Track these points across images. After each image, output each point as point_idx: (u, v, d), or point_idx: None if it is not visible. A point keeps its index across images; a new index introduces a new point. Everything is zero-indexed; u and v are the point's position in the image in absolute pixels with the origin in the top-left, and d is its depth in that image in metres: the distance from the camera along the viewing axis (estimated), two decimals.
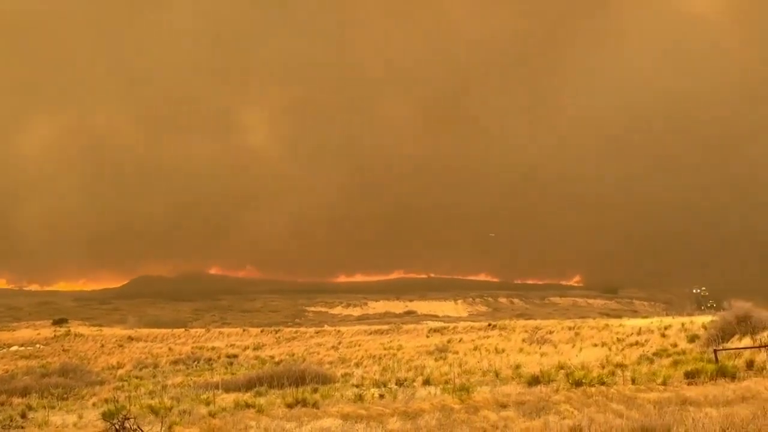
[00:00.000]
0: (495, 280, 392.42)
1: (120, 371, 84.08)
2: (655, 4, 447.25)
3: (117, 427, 17.75)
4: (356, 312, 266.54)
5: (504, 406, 30.72)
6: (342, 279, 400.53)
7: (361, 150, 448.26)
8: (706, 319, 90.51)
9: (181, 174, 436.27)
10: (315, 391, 45.57)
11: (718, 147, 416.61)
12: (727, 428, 15.41)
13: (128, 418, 17.82)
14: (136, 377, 75.58)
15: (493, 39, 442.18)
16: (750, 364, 42.91)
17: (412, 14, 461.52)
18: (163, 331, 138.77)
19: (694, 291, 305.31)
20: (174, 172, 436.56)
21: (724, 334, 66.75)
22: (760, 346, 51.52)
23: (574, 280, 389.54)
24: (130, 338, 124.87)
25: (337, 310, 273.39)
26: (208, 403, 40.30)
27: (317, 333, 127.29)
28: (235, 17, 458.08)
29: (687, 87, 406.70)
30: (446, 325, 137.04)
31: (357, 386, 50.56)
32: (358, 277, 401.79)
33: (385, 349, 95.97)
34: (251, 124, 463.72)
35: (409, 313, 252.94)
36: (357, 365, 78.93)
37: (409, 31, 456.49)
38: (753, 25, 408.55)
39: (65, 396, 57.55)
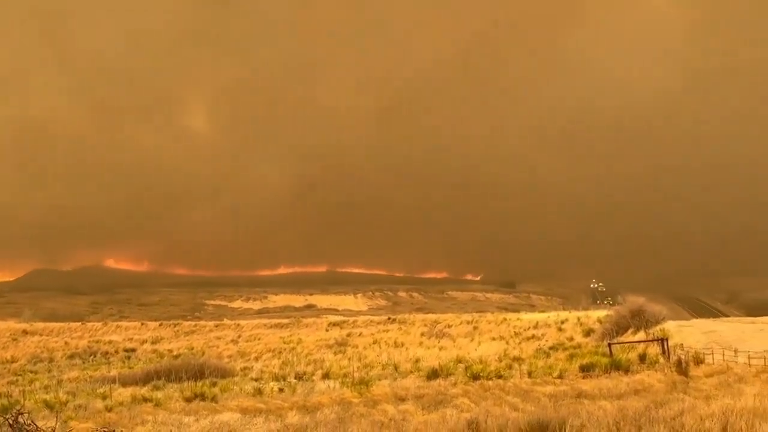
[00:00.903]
0: (396, 274, 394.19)
1: (14, 365, 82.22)
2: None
3: (10, 422, 17.31)
4: (256, 305, 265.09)
5: (403, 400, 30.86)
6: (249, 273, 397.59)
7: (295, 149, 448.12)
8: (602, 313, 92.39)
9: (119, 166, 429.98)
10: (214, 385, 45.18)
11: (611, 147, 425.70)
12: (621, 420, 15.74)
13: (22, 413, 17.36)
14: (31, 371, 74.00)
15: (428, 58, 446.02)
16: (643, 358, 43.87)
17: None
18: (59, 324, 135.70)
19: (592, 286, 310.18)
20: (111, 165, 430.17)
21: (618, 328, 68.21)
22: (652, 340, 52.74)
23: (472, 276, 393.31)
24: (25, 332, 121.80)
25: (237, 304, 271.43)
26: (104, 398, 39.66)
27: (217, 327, 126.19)
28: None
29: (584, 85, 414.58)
30: (346, 319, 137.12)
31: (256, 380, 50.32)
32: (262, 272, 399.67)
33: (284, 342, 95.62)
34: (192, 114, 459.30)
35: (309, 306, 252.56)
36: (256, 359, 78.58)
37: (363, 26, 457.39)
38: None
39: None
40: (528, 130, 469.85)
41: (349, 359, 68.35)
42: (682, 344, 47.05)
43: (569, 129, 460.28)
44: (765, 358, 34.53)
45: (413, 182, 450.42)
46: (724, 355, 40.33)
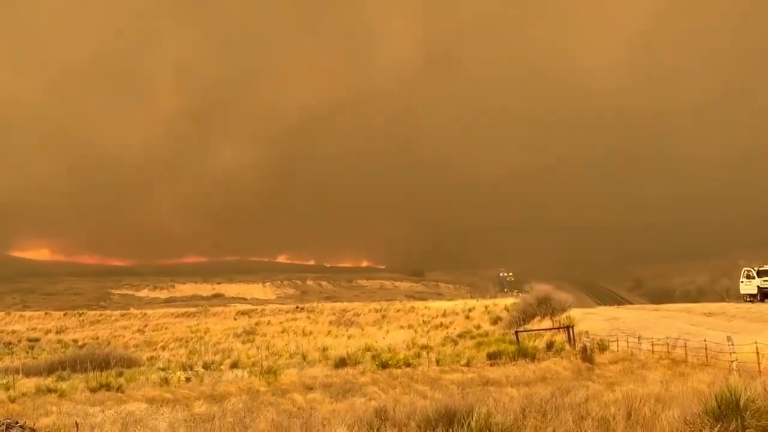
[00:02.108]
0: (304, 263, 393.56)
1: None
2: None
3: None
4: (163, 295, 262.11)
5: (311, 389, 30.85)
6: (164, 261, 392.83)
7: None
8: (509, 301, 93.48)
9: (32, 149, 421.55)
10: (120, 375, 44.61)
11: (527, 136, 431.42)
12: (527, 407, 15.90)
13: None
14: None
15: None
16: (549, 345, 44.43)
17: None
18: None
19: (501, 275, 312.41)
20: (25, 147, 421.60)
21: (525, 316, 69.10)
22: (558, 327, 53.46)
23: (380, 264, 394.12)
24: None
25: (144, 293, 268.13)
26: (7, 388, 38.81)
27: (123, 316, 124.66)
28: None
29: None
30: (254, 307, 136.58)
31: (163, 370, 49.79)
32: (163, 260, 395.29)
33: (192, 332, 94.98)
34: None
35: (217, 295, 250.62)
36: (163, 348, 77.88)
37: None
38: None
39: None
40: (442, 118, 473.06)
41: (258, 348, 68.12)
42: (587, 331, 47.73)
43: (489, 118, 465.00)
44: (668, 345, 35.22)
45: (320, 172, 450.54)
46: (628, 342, 40.98)
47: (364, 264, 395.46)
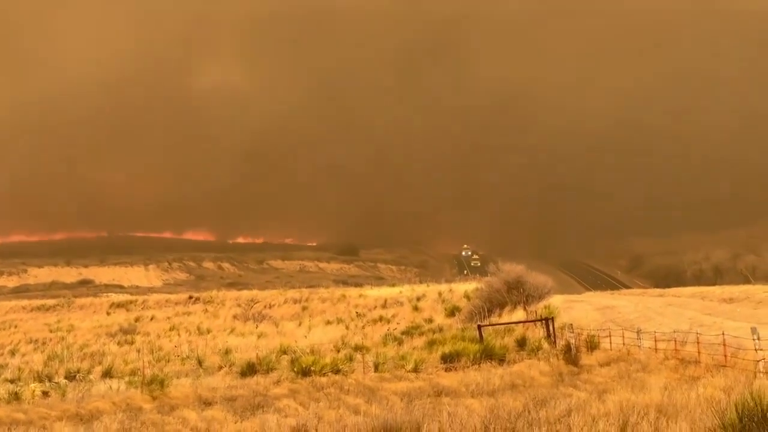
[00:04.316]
0: (199, 238, 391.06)
1: None
2: None
3: None
4: (12, 282, 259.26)
5: (209, 404, 30.85)
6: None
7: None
8: (471, 286, 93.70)
9: None
10: None
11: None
12: (491, 423, 16.02)
13: None
14: None
15: None
16: (522, 343, 44.64)
17: None
18: None
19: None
20: None
21: (491, 305, 69.33)
22: (534, 320, 53.73)
23: (302, 240, 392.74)
24: None
25: None
26: None
27: None
28: None
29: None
30: (134, 298, 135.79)
31: (12, 381, 49.40)
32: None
33: (51, 330, 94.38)
34: None
35: (84, 282, 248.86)
36: (12, 353, 77.26)
37: None
38: None
39: None
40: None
41: (139, 351, 67.91)
42: (571, 325, 48.11)
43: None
44: (675, 341, 35.57)
45: (224, 126, 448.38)
46: (624, 337, 41.41)
47: (280, 240, 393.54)
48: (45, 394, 40.06)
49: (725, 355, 30.31)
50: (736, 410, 13.30)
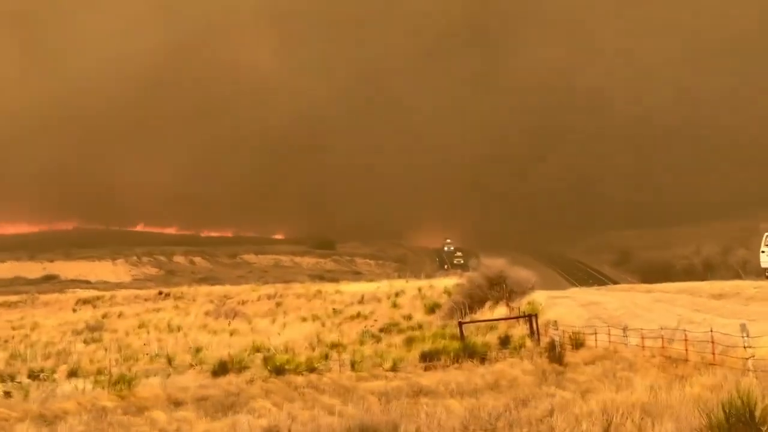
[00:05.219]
0: (170, 231, 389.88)
1: None
2: None
3: None
4: None
5: (179, 404, 30.87)
6: None
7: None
8: (451, 282, 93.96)
9: None
10: None
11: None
12: (471, 424, 16.10)
13: None
14: None
15: None
16: (505, 341, 44.74)
17: None
18: None
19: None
20: None
21: (473, 301, 69.53)
22: (517, 317, 53.86)
23: (275, 234, 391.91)
24: None
25: None
26: None
27: None
28: None
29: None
30: (101, 293, 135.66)
31: None
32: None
33: (13, 328, 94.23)
34: None
35: (49, 278, 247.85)
36: None
37: None
38: None
39: None
40: None
41: (106, 350, 67.95)
42: (556, 322, 48.17)
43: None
44: (662, 338, 35.67)
45: (194, 114, 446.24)
46: (610, 334, 41.51)
47: (252, 233, 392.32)
48: (7, 394, 40.06)
49: (713, 353, 30.45)
50: (724, 410, 13.39)
